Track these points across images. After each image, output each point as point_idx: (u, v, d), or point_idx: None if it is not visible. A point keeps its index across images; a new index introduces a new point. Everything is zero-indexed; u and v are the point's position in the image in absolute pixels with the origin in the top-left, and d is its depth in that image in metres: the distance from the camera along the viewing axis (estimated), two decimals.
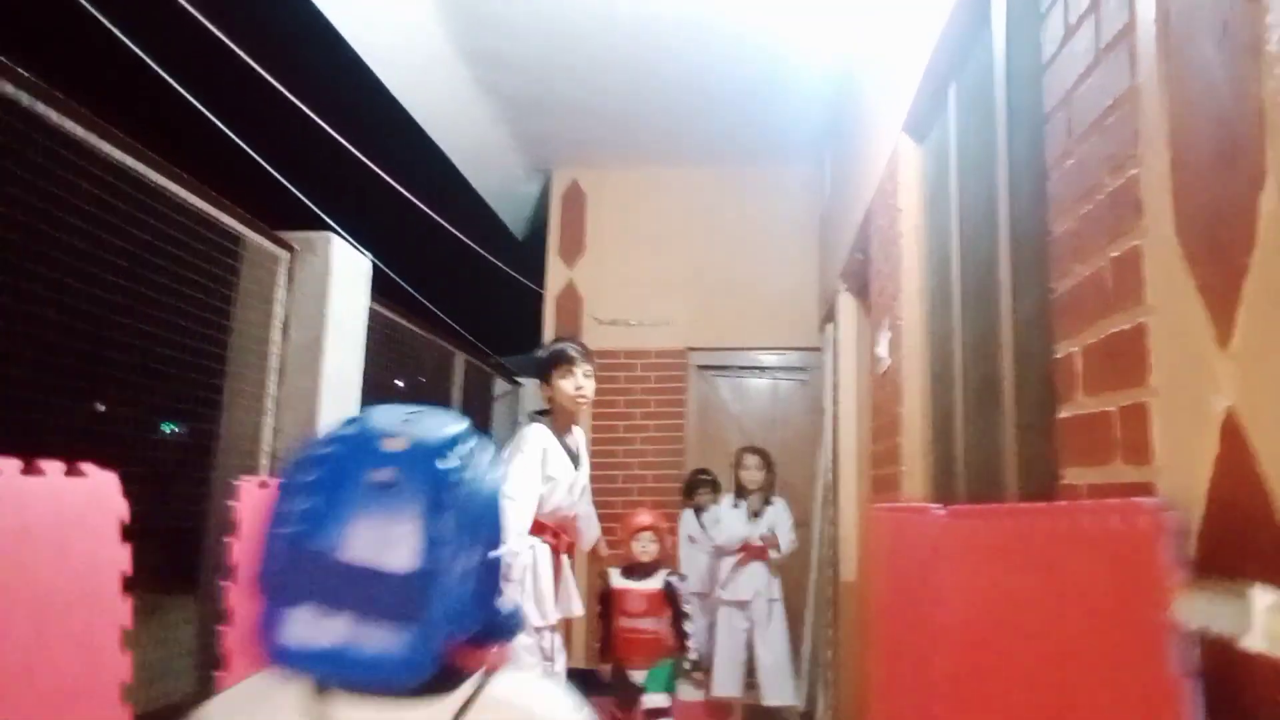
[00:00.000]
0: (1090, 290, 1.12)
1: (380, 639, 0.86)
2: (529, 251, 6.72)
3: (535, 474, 2.78)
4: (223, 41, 4.10)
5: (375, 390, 3.08)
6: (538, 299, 5.96)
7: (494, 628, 0.98)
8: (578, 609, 3.01)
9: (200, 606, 2.19)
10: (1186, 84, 0.89)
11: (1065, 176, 1.23)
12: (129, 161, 1.82)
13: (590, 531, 3.21)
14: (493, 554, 0.95)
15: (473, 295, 8.58)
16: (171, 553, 2.07)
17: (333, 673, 0.89)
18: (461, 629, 0.91)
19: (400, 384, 3.55)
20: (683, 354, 5.59)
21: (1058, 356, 1.22)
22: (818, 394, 5.21)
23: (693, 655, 3.57)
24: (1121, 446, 1.01)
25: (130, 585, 1.44)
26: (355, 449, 0.91)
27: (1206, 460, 0.81)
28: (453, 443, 0.94)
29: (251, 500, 1.93)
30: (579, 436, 3.13)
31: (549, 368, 3.04)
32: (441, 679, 0.90)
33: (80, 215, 1.68)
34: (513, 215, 6.60)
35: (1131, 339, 0.99)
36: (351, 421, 0.94)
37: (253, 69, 4.35)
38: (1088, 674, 0.91)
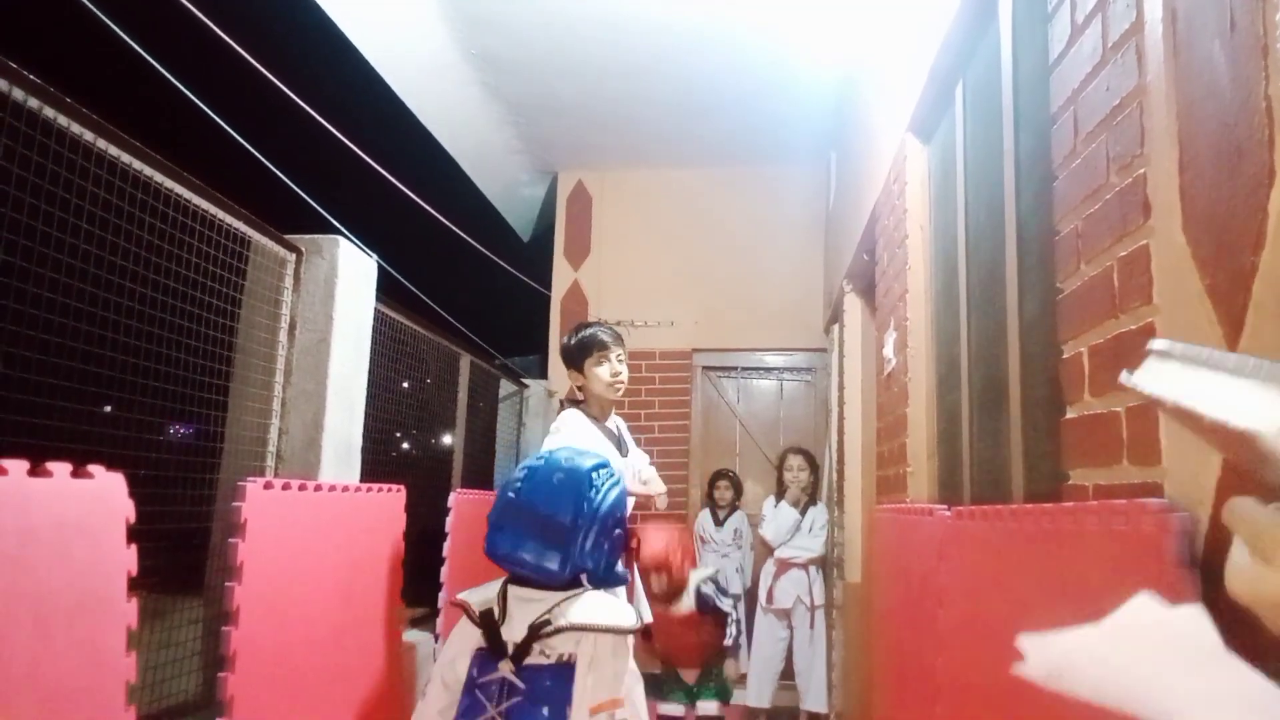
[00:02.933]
0: (1097, 290, 1.11)
1: (542, 554, 1.81)
2: (535, 253, 6.72)
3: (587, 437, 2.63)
4: (229, 45, 4.11)
5: (381, 392, 3.09)
6: (543, 300, 5.97)
7: (610, 577, 1.96)
8: (647, 615, 2.88)
9: (206, 608, 2.20)
10: (1194, 83, 0.89)
11: (1072, 176, 1.23)
12: (136, 165, 1.82)
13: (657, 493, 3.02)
14: (614, 533, 1.93)
15: (479, 297, 8.60)
16: (177, 554, 2.08)
17: (517, 566, 1.85)
18: (586, 565, 1.86)
19: (406, 385, 3.55)
20: (688, 355, 5.59)
21: (1065, 357, 1.21)
22: (823, 395, 5.21)
23: (728, 641, 3.43)
24: (1128, 448, 1.00)
25: (136, 586, 1.44)
26: (549, 461, 1.92)
27: (1214, 461, 0.80)
28: (598, 467, 1.93)
29: (257, 501, 1.93)
30: (621, 424, 2.98)
31: (581, 355, 2.83)
32: (568, 585, 1.88)
33: (87, 218, 1.69)
34: (518, 217, 6.61)
35: (1139, 339, 0.99)
36: (550, 451, 2.00)
37: (259, 72, 4.37)
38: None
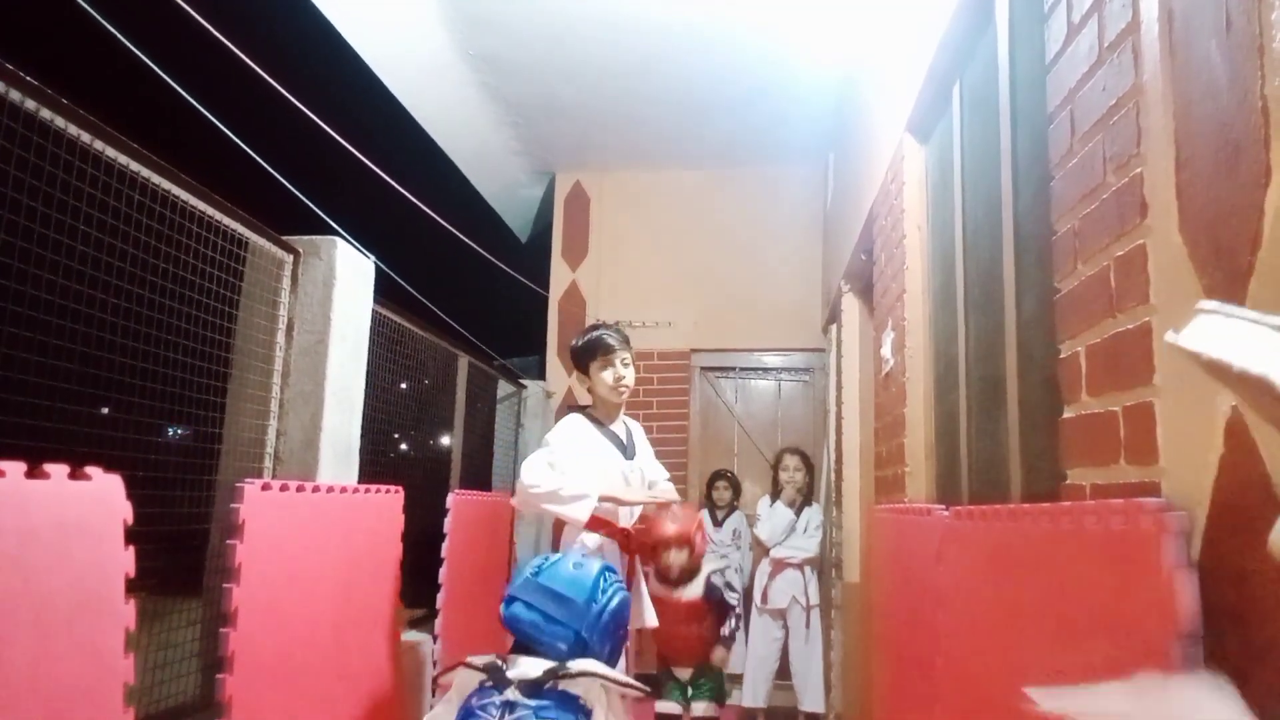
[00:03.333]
0: (1094, 290, 1.11)
1: (555, 626, 1.94)
2: (533, 254, 6.72)
3: (544, 463, 2.57)
4: (227, 47, 4.11)
5: (379, 393, 3.08)
6: (541, 301, 5.97)
7: (610, 659, 2.02)
8: (651, 620, 2.84)
9: (204, 609, 2.20)
10: (1190, 83, 0.89)
11: (1069, 176, 1.23)
12: (134, 166, 1.82)
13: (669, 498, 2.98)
14: (620, 632, 2.07)
15: (477, 298, 8.60)
16: (175, 556, 2.07)
17: (529, 633, 1.95)
18: (594, 647, 1.96)
19: (404, 386, 3.54)
20: (686, 355, 5.59)
21: (1062, 356, 1.21)
22: (821, 395, 5.21)
23: (725, 631, 3.38)
24: (1126, 447, 1.00)
25: (134, 588, 1.44)
26: (564, 559, 2.09)
27: (1211, 461, 0.80)
28: (605, 570, 2.09)
29: (255, 503, 1.93)
30: (632, 426, 2.97)
31: (586, 358, 2.83)
32: (575, 655, 1.94)
33: (85, 219, 1.69)
34: (516, 217, 6.61)
35: (1136, 339, 0.99)
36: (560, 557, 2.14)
37: (257, 74, 4.36)
38: (1092, 675, 0.91)
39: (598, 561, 2.13)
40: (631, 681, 1.95)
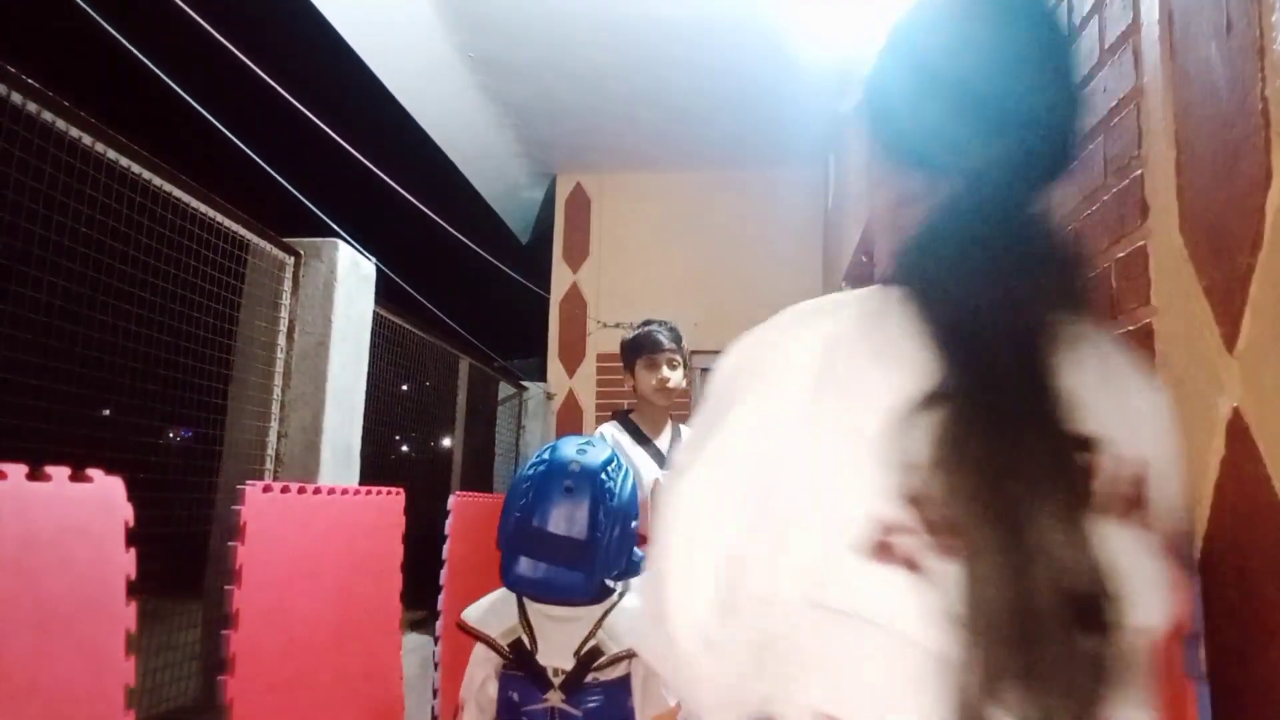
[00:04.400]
0: (1095, 292, 1.11)
1: (565, 576, 1.64)
2: (534, 255, 6.73)
3: None
4: (227, 47, 4.11)
5: (380, 395, 3.09)
6: (543, 302, 5.97)
7: (631, 567, 1.75)
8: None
9: (205, 611, 2.20)
10: (1191, 84, 0.89)
11: (1069, 178, 1.23)
12: (135, 168, 1.83)
13: None
14: (631, 525, 1.74)
15: (478, 299, 8.60)
16: (177, 557, 2.08)
17: (540, 593, 1.70)
18: (611, 570, 1.71)
19: (405, 388, 3.55)
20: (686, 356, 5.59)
21: None
22: None
23: None
24: None
25: (135, 590, 1.44)
26: (552, 468, 1.71)
27: (1212, 462, 0.80)
28: (606, 464, 1.74)
29: (256, 505, 1.93)
30: (677, 433, 2.70)
31: (632, 356, 2.65)
32: (598, 595, 1.72)
33: (86, 221, 1.69)
34: (517, 219, 6.61)
35: (1137, 340, 0.99)
36: (550, 449, 1.77)
37: (258, 75, 4.37)
38: None
39: (593, 449, 1.78)
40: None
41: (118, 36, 3.85)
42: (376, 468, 3.02)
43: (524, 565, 1.67)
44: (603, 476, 1.72)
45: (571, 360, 5.69)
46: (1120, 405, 0.65)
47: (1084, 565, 0.53)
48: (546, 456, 1.76)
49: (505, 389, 5.12)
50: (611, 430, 2.67)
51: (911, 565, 0.54)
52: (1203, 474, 0.82)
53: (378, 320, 2.92)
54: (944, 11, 0.70)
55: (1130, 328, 1.01)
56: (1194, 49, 0.88)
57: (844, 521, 0.57)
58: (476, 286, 8.42)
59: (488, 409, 4.89)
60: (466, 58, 4.33)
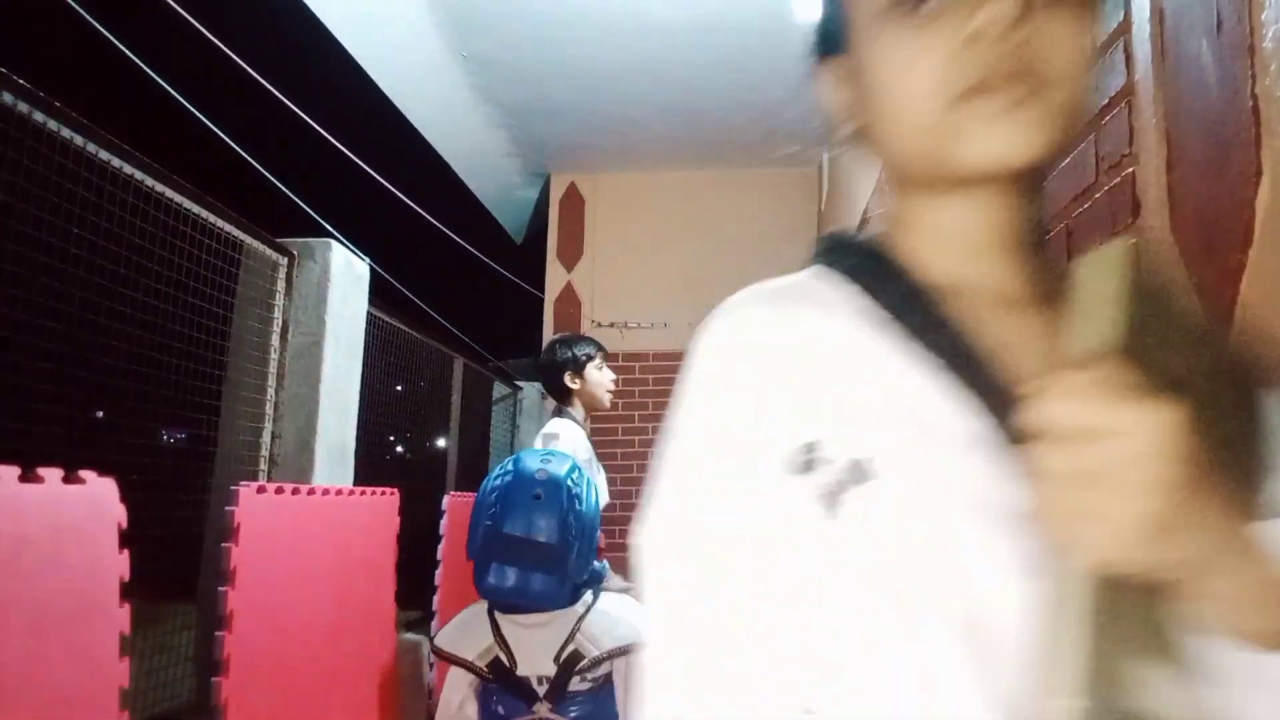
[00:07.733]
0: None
1: (539, 581, 1.66)
2: (528, 255, 6.72)
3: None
4: (220, 48, 4.10)
5: (374, 395, 3.08)
6: (537, 302, 5.96)
7: (593, 576, 1.80)
8: None
9: (199, 612, 2.19)
10: (1182, 82, 0.89)
11: (1061, 176, 1.23)
12: (128, 168, 1.82)
13: None
14: (596, 533, 1.78)
15: (472, 299, 8.60)
16: (171, 559, 2.07)
17: (514, 600, 1.70)
18: (580, 575, 1.73)
19: (399, 388, 3.54)
20: (681, 356, 5.56)
21: None
22: None
23: None
24: None
25: (129, 592, 1.43)
26: (519, 478, 1.74)
27: None
28: (571, 473, 1.77)
29: (250, 506, 1.92)
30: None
31: (584, 359, 2.87)
32: (570, 600, 1.73)
33: (79, 221, 1.68)
34: (511, 219, 6.61)
35: None
36: (513, 460, 1.80)
37: (250, 75, 4.36)
38: None
39: (558, 461, 1.82)
40: (643, 635, 1.77)
41: (110, 37, 3.84)
42: (371, 468, 3.02)
43: (497, 573, 1.69)
44: (569, 484, 1.76)
45: None
46: None
47: None
48: (511, 468, 1.79)
49: (500, 389, 5.12)
50: (572, 424, 2.80)
51: None
52: None
53: (371, 321, 2.92)
54: None
55: None
56: (1185, 47, 0.88)
57: None
58: (470, 286, 8.42)
59: (482, 409, 4.89)
60: (460, 58, 4.32)
